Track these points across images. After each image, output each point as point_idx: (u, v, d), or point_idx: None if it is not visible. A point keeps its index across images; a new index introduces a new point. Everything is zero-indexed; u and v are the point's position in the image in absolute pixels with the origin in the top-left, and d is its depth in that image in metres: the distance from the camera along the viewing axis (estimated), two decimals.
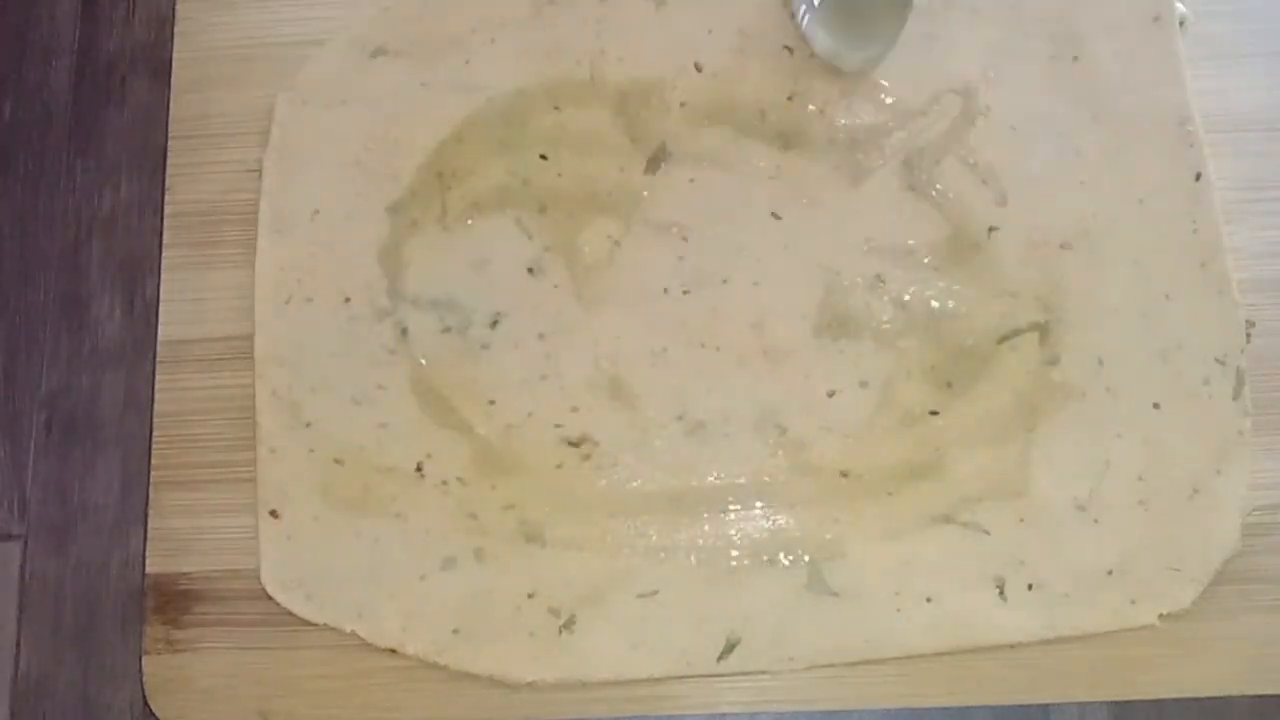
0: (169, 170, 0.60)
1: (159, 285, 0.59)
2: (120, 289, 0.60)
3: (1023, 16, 0.59)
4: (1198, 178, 0.57)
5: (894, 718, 0.54)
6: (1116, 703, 0.53)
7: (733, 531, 0.54)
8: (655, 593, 0.54)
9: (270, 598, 0.54)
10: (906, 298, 0.56)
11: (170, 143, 0.60)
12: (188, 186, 0.60)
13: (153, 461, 0.56)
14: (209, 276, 0.58)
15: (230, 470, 0.56)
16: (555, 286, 0.57)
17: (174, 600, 0.55)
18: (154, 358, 0.58)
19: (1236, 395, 0.55)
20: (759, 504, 0.55)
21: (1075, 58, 0.59)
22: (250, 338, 0.57)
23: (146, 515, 0.56)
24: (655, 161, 0.58)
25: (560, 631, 0.53)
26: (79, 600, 0.56)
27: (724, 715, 0.54)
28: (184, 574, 0.55)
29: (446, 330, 0.57)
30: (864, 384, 0.56)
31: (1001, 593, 0.53)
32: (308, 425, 0.56)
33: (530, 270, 0.57)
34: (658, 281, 0.57)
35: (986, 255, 0.57)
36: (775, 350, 0.56)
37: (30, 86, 0.62)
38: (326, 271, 0.58)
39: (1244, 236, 0.57)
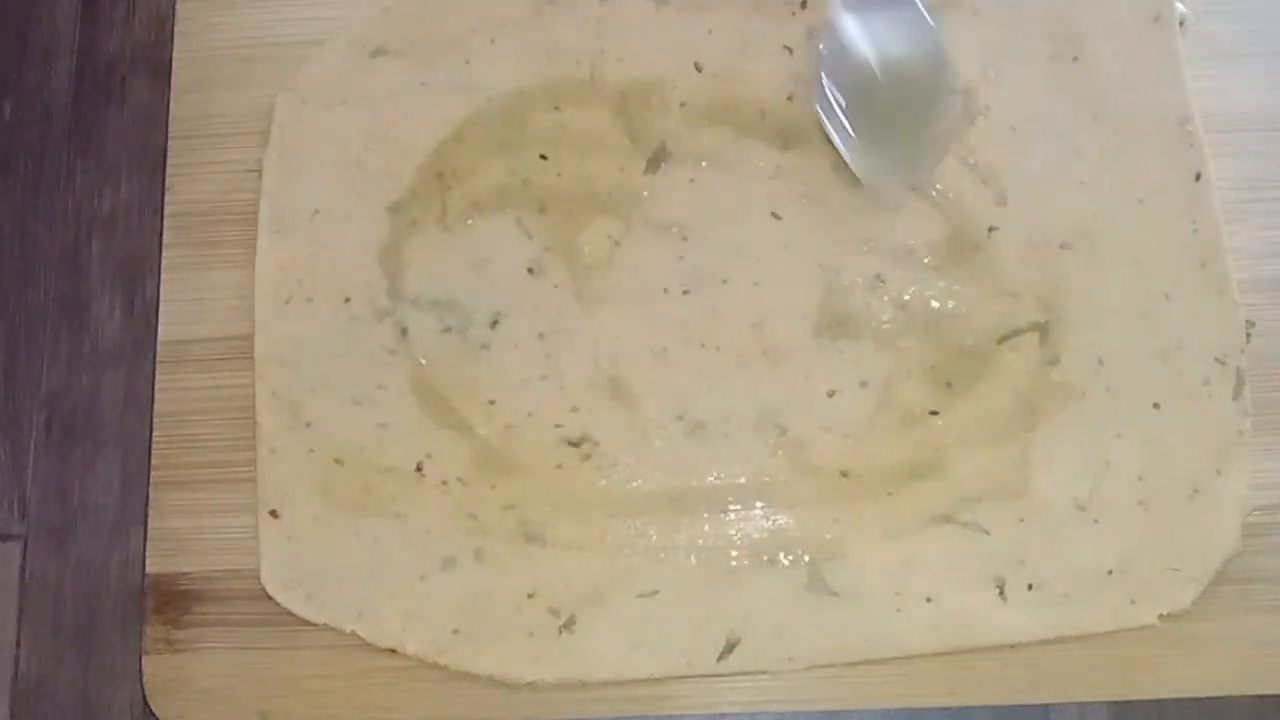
0: (169, 170, 0.60)
1: (159, 285, 0.59)
2: (120, 289, 0.60)
3: (1023, 16, 0.59)
4: (1198, 178, 0.57)
5: (894, 718, 0.54)
6: (1116, 703, 0.53)
7: (733, 531, 0.54)
8: (655, 593, 0.54)
9: (270, 598, 0.54)
10: (906, 298, 0.56)
11: (170, 143, 0.60)
12: (188, 186, 0.60)
13: (153, 461, 0.56)
14: (209, 276, 0.58)
15: (230, 470, 0.56)
16: (555, 286, 0.57)
17: (174, 600, 0.55)
18: (154, 358, 0.58)
19: (1236, 395, 0.55)
20: (759, 504, 0.55)
21: (1075, 58, 0.59)
22: (250, 338, 0.57)
23: (146, 515, 0.56)
24: (655, 161, 0.58)
25: (560, 631, 0.53)
26: (79, 600, 0.56)
27: (724, 715, 0.54)
28: (184, 574, 0.55)
29: (446, 330, 0.57)
30: (864, 384, 0.56)
31: (1001, 593, 0.53)
32: (308, 425, 0.56)
33: (530, 270, 0.57)
34: (658, 281, 0.57)
35: (986, 255, 0.57)
36: (775, 350, 0.56)
37: (30, 86, 0.62)
38: (326, 271, 0.58)
39: (1244, 236, 0.57)
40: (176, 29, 0.62)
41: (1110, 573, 0.53)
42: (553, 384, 0.56)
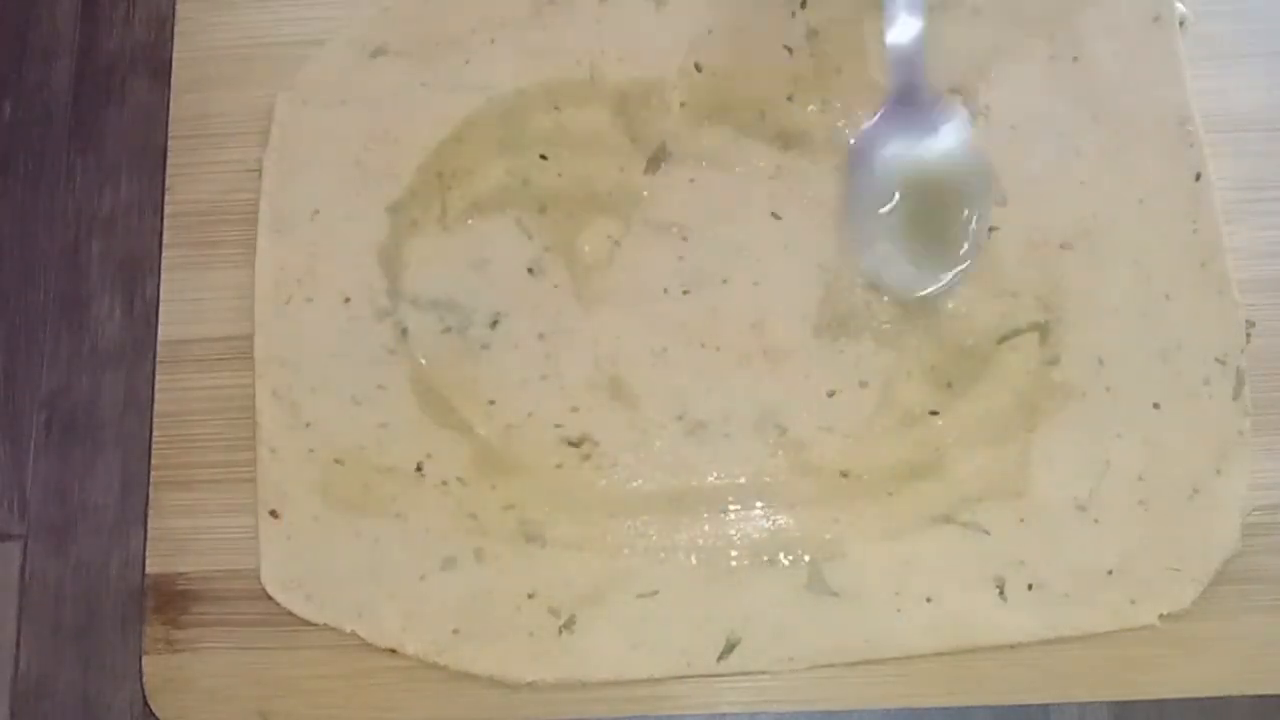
0: (169, 170, 0.60)
1: (159, 285, 0.59)
2: (120, 289, 0.60)
3: (1023, 16, 0.59)
4: (1198, 178, 0.57)
5: (894, 718, 0.54)
6: (1116, 703, 0.53)
7: (733, 531, 0.54)
8: (655, 593, 0.54)
9: (270, 598, 0.54)
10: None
11: (170, 143, 0.60)
12: (188, 186, 0.60)
13: (153, 461, 0.56)
14: (209, 276, 0.58)
15: (230, 470, 0.56)
16: (555, 286, 0.57)
17: (174, 600, 0.55)
18: (154, 358, 0.58)
19: (1236, 395, 0.55)
20: (759, 504, 0.55)
21: (1075, 58, 0.59)
22: (250, 338, 0.57)
23: (146, 515, 0.56)
24: (655, 161, 0.58)
25: (560, 631, 0.53)
26: (79, 600, 0.56)
27: (724, 715, 0.54)
28: (184, 574, 0.55)
29: (446, 330, 0.57)
30: (864, 384, 0.56)
31: (1001, 593, 0.53)
32: (308, 425, 0.56)
33: (530, 270, 0.57)
34: (658, 281, 0.57)
35: (986, 255, 0.57)
36: (775, 350, 0.56)
37: (30, 86, 0.62)
38: (326, 271, 0.58)
39: (1244, 236, 0.57)
40: (176, 29, 0.62)
41: (1110, 573, 0.53)
42: (553, 384, 0.56)
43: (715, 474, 0.55)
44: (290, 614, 0.54)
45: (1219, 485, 0.54)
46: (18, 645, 0.56)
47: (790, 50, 0.59)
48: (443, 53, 0.60)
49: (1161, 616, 0.53)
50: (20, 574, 0.57)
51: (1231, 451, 0.54)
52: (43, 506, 0.57)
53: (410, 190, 0.58)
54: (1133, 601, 0.53)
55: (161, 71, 0.61)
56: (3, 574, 0.57)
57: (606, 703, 0.53)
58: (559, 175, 0.58)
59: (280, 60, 0.60)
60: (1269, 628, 0.53)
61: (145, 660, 0.55)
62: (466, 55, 0.60)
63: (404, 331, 0.57)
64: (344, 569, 0.54)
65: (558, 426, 0.56)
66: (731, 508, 0.55)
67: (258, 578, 0.54)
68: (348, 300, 0.57)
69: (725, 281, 0.57)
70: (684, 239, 0.57)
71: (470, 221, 0.58)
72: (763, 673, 0.53)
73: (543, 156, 0.58)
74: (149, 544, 0.56)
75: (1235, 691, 0.53)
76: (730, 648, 0.53)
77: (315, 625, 0.54)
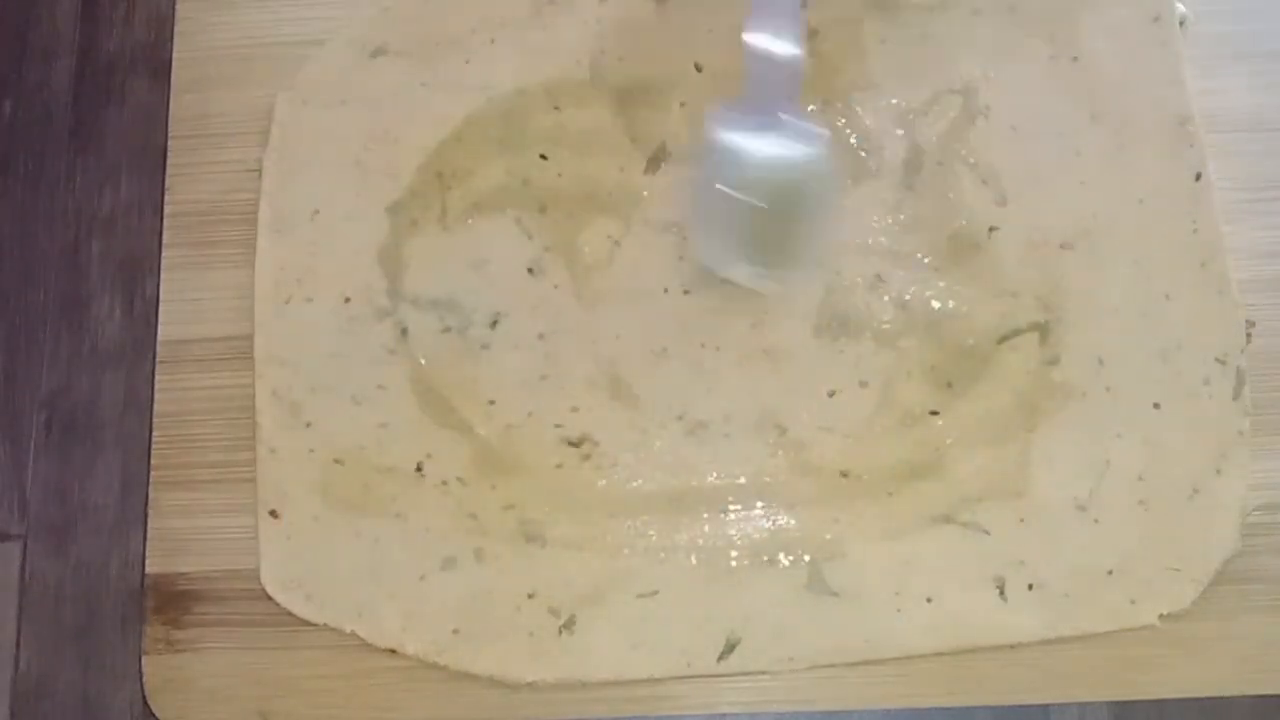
0: (169, 170, 0.60)
1: (159, 285, 0.59)
2: (120, 289, 0.60)
3: (1022, 16, 0.59)
4: (1198, 178, 0.57)
5: (894, 718, 0.54)
6: (1116, 703, 0.53)
7: (733, 531, 0.54)
8: (655, 593, 0.54)
9: (270, 598, 0.54)
10: (907, 298, 0.56)
11: (170, 143, 0.60)
12: (188, 186, 0.60)
13: (153, 461, 0.56)
14: (209, 276, 0.58)
15: (230, 470, 0.56)
16: (555, 286, 0.57)
17: (174, 600, 0.55)
18: (154, 358, 0.58)
19: (1236, 395, 0.55)
20: (759, 504, 0.55)
21: (1075, 58, 0.59)
22: (250, 338, 0.57)
23: (146, 515, 0.56)
24: (655, 161, 0.58)
25: (560, 631, 0.53)
26: (79, 600, 0.56)
27: (724, 715, 0.54)
28: (184, 574, 0.55)
29: (446, 330, 0.57)
30: (864, 384, 0.56)
31: (1002, 593, 0.53)
32: (308, 425, 0.56)
33: (530, 270, 0.57)
34: (658, 281, 0.57)
35: (986, 255, 0.57)
36: (775, 350, 0.56)
37: (30, 86, 0.62)
38: (326, 271, 0.58)
39: (1244, 236, 0.57)
40: (176, 29, 0.62)
41: (1110, 573, 0.53)
42: (553, 384, 0.56)
43: (715, 474, 0.55)
44: (290, 614, 0.54)
45: (1219, 485, 0.54)
46: (18, 645, 0.56)
47: None
48: (443, 53, 0.60)
49: (1161, 616, 0.53)
50: (20, 574, 0.57)
51: (1231, 451, 0.54)
52: (43, 506, 0.57)
53: (410, 190, 0.58)
54: (1133, 601, 0.53)
55: (161, 71, 0.61)
56: (3, 574, 0.57)
57: (606, 703, 0.53)
58: (559, 175, 0.58)
59: (280, 60, 0.60)
60: (1269, 628, 0.53)
61: (145, 660, 0.55)
62: (466, 55, 0.60)
63: (404, 331, 0.57)
64: (344, 569, 0.54)
65: (558, 426, 0.56)
66: (731, 508, 0.55)
67: (258, 578, 0.54)
68: (348, 300, 0.57)
69: (725, 281, 0.57)
70: (684, 239, 0.57)
71: (470, 221, 0.58)
72: (763, 673, 0.53)
73: (543, 156, 0.58)
74: (149, 544, 0.56)
75: (1235, 691, 0.53)
76: (730, 648, 0.53)
77: (315, 625, 0.54)
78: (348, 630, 0.54)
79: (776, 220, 0.53)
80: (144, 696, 0.54)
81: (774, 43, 0.51)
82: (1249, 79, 0.59)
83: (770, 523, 0.54)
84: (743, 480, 0.55)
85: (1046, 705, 0.53)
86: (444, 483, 0.55)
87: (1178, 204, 0.57)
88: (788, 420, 0.55)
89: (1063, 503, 0.54)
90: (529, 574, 0.54)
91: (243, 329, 0.57)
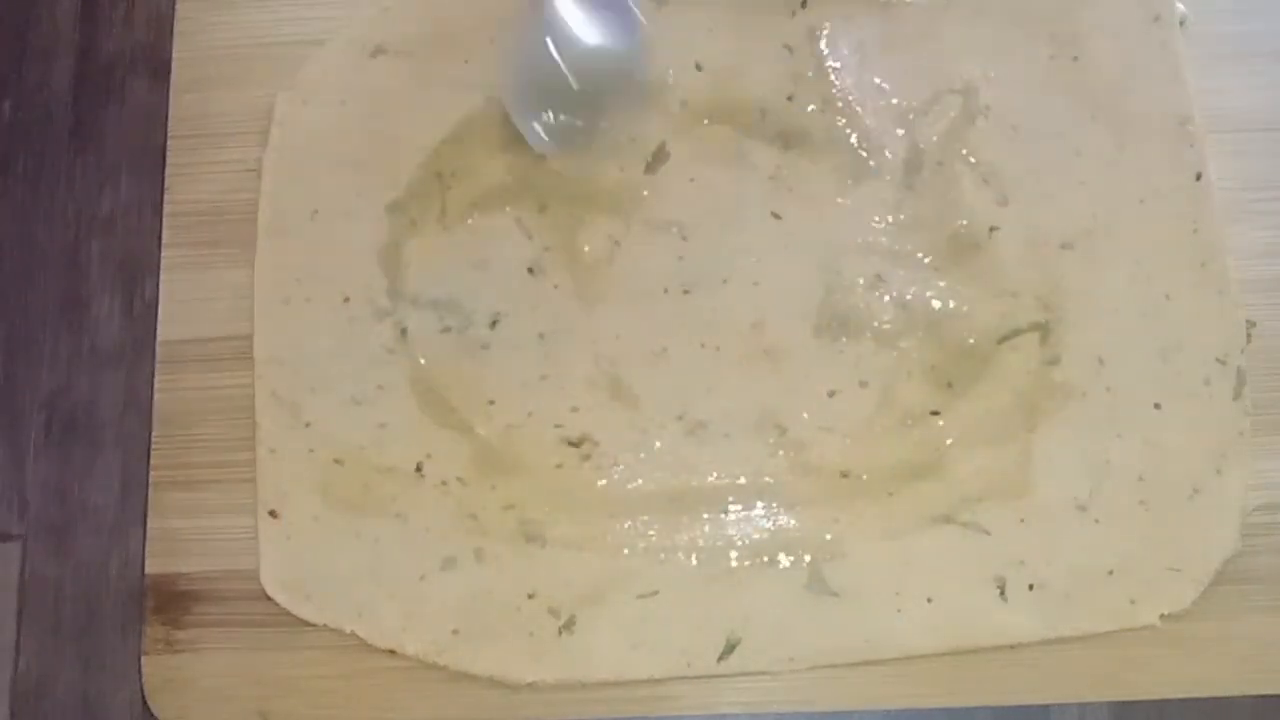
0: (169, 170, 0.60)
1: (159, 285, 0.59)
2: (120, 289, 0.60)
3: (1023, 16, 0.59)
4: (1198, 178, 0.57)
5: (894, 718, 0.54)
6: (1117, 703, 0.53)
7: (733, 531, 0.54)
8: (655, 593, 0.54)
9: (270, 598, 0.54)
10: (907, 298, 0.56)
11: (170, 142, 0.60)
12: (187, 186, 0.60)
13: (152, 462, 0.56)
14: (209, 276, 0.58)
15: (230, 470, 0.56)
16: (555, 286, 0.57)
17: (174, 600, 0.55)
18: (154, 358, 0.58)
19: (1237, 395, 0.55)
20: (759, 504, 0.55)
21: (1075, 58, 0.59)
22: (250, 338, 0.57)
23: (146, 516, 0.56)
24: (655, 161, 0.58)
25: (560, 632, 0.53)
26: (79, 600, 0.56)
27: (724, 716, 0.54)
28: (183, 574, 0.55)
29: (446, 330, 0.57)
30: (864, 384, 0.56)
31: (1002, 593, 0.53)
32: (307, 425, 0.56)
33: (530, 270, 0.57)
34: (658, 281, 0.57)
35: (986, 255, 0.57)
36: (775, 350, 0.56)
37: (30, 86, 0.62)
38: (326, 271, 0.58)
39: (1244, 236, 0.57)
40: (176, 29, 0.62)
41: (1110, 573, 0.53)
42: (553, 384, 0.56)
43: (715, 474, 0.55)
44: (290, 614, 0.54)
45: (1219, 485, 0.54)
46: (18, 645, 0.56)
47: (790, 50, 0.59)
48: (443, 52, 0.60)
49: (1161, 616, 0.53)
50: (20, 574, 0.57)
51: (1231, 451, 0.54)
52: (42, 507, 0.57)
53: (410, 190, 0.58)
54: (1133, 601, 0.53)
55: (161, 71, 0.61)
56: (3, 574, 0.57)
57: (606, 703, 0.53)
58: (559, 175, 0.58)
59: (280, 60, 0.60)
60: (1269, 628, 0.53)
61: (145, 660, 0.55)
62: (466, 55, 0.60)
63: (404, 331, 0.57)
64: (344, 569, 0.54)
65: (558, 426, 0.56)
66: (731, 508, 0.55)
67: (258, 578, 0.54)
68: (347, 300, 0.57)
69: (725, 281, 0.57)
70: (684, 239, 0.57)
71: (470, 221, 0.58)
72: (763, 673, 0.53)
73: (543, 156, 0.58)
74: (149, 544, 0.56)
75: (1235, 691, 0.53)
76: (730, 648, 0.53)
77: (315, 625, 0.54)
78: (348, 630, 0.54)
79: (582, 98, 0.56)
80: (144, 696, 0.54)
81: None
82: (1249, 79, 0.59)
83: (770, 523, 0.54)
84: (743, 480, 0.55)
85: (1046, 705, 0.53)
86: (444, 483, 0.55)
87: (1178, 204, 0.57)
88: (788, 420, 0.55)
89: (1063, 503, 0.54)
90: (529, 574, 0.54)
91: (243, 329, 0.57)
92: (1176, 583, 0.53)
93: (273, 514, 0.55)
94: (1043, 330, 0.56)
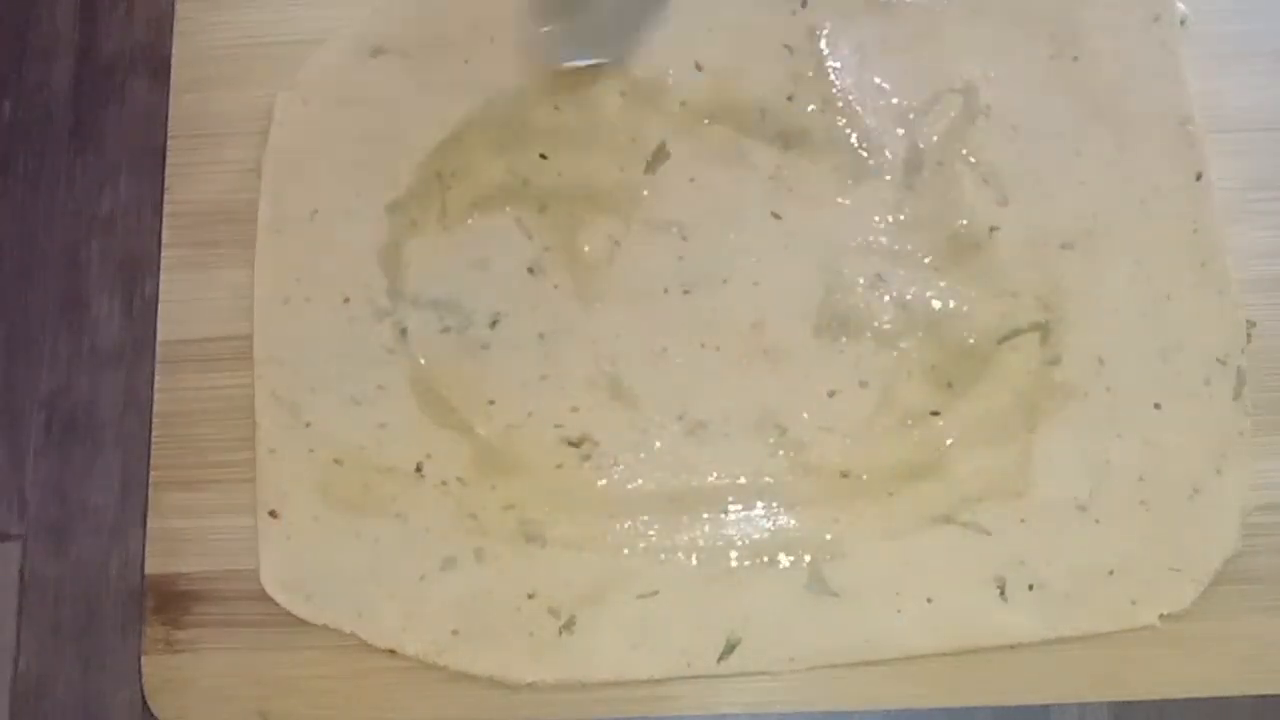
0: (169, 170, 0.60)
1: (159, 285, 0.59)
2: (120, 289, 0.60)
3: (1023, 16, 0.59)
4: (1198, 178, 0.57)
5: (894, 718, 0.54)
6: (1116, 703, 0.53)
7: (733, 531, 0.54)
8: (655, 593, 0.54)
9: (270, 598, 0.54)
10: (907, 298, 0.56)
11: (170, 142, 0.60)
12: (187, 186, 0.60)
13: (152, 462, 0.56)
14: (209, 276, 0.58)
15: (230, 470, 0.56)
16: (555, 286, 0.57)
17: (174, 600, 0.55)
18: (154, 358, 0.58)
19: (1237, 395, 0.55)
20: (759, 504, 0.55)
21: (1075, 57, 0.59)
22: (250, 338, 0.57)
23: (146, 516, 0.56)
24: (655, 161, 0.58)
25: (560, 632, 0.53)
26: (79, 600, 0.56)
27: (724, 716, 0.54)
28: (183, 574, 0.55)
29: (446, 330, 0.57)
30: (864, 384, 0.56)
31: (1002, 593, 0.53)
32: (307, 425, 0.56)
33: (530, 270, 0.57)
34: (658, 281, 0.57)
35: (987, 255, 0.57)
36: (775, 350, 0.56)
37: (30, 86, 0.62)
38: (326, 271, 0.58)
39: (1244, 236, 0.57)
40: (176, 29, 0.62)
41: (1111, 573, 0.53)
42: (553, 384, 0.56)
43: (715, 474, 0.55)
44: (290, 614, 0.54)
45: (1219, 485, 0.54)
46: (18, 645, 0.56)
47: (790, 50, 0.59)
48: (442, 52, 0.60)
49: (1161, 616, 0.53)
50: (20, 574, 0.57)
51: (1232, 451, 0.54)
52: (42, 506, 0.57)
53: (410, 190, 0.58)
54: (1133, 601, 0.53)
55: (161, 71, 0.61)
56: (3, 574, 0.57)
57: (606, 703, 0.53)
58: (559, 175, 0.58)
59: (280, 60, 0.60)
60: (1269, 628, 0.53)
61: (145, 660, 0.55)
62: (466, 55, 0.60)
63: (404, 331, 0.57)
64: (344, 569, 0.54)
65: (558, 426, 0.56)
66: (731, 508, 0.55)
67: (257, 578, 0.54)
68: (347, 300, 0.57)
69: (725, 281, 0.57)
70: (684, 239, 0.57)
71: (470, 221, 0.58)
72: (763, 673, 0.53)
73: (543, 156, 0.58)
74: (149, 544, 0.56)
75: (1235, 691, 0.53)
76: (730, 648, 0.53)
77: (315, 625, 0.54)
78: (348, 630, 0.54)
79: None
80: (144, 696, 0.54)
81: None
82: (1249, 79, 0.59)
83: (770, 523, 0.54)
84: (743, 480, 0.55)
85: (1046, 705, 0.53)
86: (444, 483, 0.55)
87: (1178, 204, 0.57)
88: (788, 420, 0.55)
89: (1063, 503, 0.54)
90: (529, 574, 0.54)
91: (242, 329, 0.57)
92: (1176, 583, 0.53)
93: (273, 514, 0.55)
94: (1043, 330, 0.56)
